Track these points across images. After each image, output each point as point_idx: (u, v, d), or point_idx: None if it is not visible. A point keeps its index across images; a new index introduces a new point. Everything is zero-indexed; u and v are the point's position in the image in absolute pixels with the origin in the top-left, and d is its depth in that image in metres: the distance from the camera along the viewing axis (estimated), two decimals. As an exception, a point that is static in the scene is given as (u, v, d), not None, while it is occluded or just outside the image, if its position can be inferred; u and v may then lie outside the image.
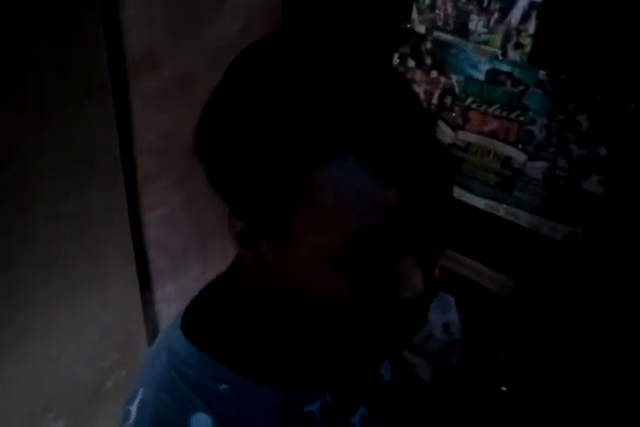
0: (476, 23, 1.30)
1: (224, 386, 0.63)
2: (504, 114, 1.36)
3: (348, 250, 0.52)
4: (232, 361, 0.64)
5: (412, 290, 0.54)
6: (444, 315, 1.77)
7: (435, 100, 1.44)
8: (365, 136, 0.50)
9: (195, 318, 0.68)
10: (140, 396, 0.65)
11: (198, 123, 0.59)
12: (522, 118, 1.34)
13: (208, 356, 0.64)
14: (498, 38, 1.29)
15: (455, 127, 1.44)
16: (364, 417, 0.78)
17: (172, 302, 1.65)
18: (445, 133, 1.46)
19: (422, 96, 1.45)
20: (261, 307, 0.65)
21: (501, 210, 1.48)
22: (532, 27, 1.24)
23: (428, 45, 1.39)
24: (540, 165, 1.36)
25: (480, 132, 1.41)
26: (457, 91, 1.40)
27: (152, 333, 1.61)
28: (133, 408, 0.65)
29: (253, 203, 0.55)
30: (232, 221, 0.58)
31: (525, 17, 1.24)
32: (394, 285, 0.55)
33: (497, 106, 1.36)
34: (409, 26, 1.40)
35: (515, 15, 1.25)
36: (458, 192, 1.51)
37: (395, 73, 0.56)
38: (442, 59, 1.39)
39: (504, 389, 1.59)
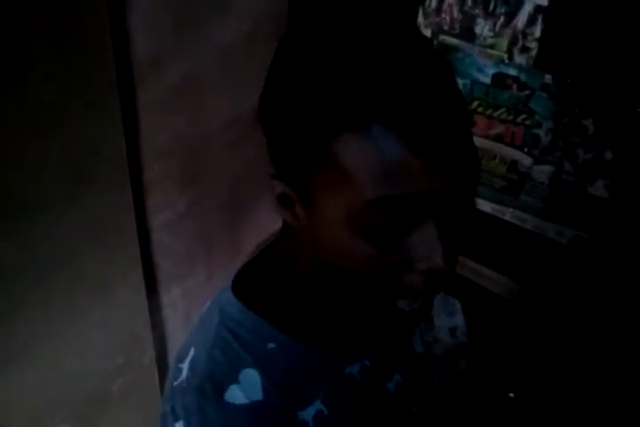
0: (482, 27, 1.30)
1: (272, 345, 0.68)
2: (510, 118, 1.36)
3: (368, 216, 0.54)
4: (280, 322, 0.68)
5: (429, 263, 0.56)
6: (450, 319, 1.77)
7: (440, 104, 1.44)
8: (398, 104, 0.51)
9: (245, 282, 0.72)
10: (191, 354, 0.68)
11: (262, 91, 0.62)
12: (528, 122, 1.34)
13: (258, 316, 0.68)
14: (504, 42, 1.29)
15: (461, 131, 1.44)
16: (399, 384, 0.81)
17: (178, 306, 1.65)
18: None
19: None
20: (305, 272, 0.68)
21: (507, 214, 1.47)
22: (537, 31, 1.25)
23: (434, 49, 1.39)
24: (546, 168, 1.36)
25: (486, 136, 1.41)
26: (463, 94, 1.40)
27: (158, 337, 1.61)
28: (185, 366, 0.68)
29: (288, 164, 0.59)
30: (273, 182, 0.61)
31: (531, 21, 1.24)
32: (413, 255, 0.56)
33: (503, 110, 1.36)
34: (415, 30, 1.39)
35: (521, 19, 1.25)
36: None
37: (430, 48, 0.58)
38: (448, 63, 1.39)
39: (512, 395, 1.58)
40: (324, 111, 0.53)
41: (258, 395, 0.65)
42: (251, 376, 0.65)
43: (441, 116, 0.53)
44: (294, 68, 0.57)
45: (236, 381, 0.65)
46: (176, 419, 0.64)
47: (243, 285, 0.71)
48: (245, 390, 0.64)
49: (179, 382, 0.67)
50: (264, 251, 0.76)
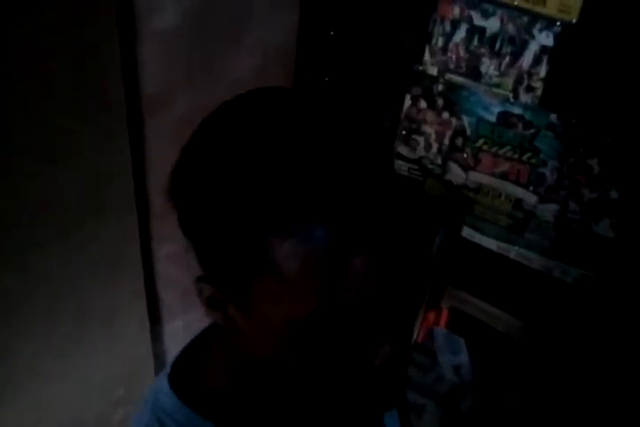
0: (488, 66, 1.32)
1: None
2: (515, 156, 1.36)
3: (312, 323, 0.51)
4: (214, 415, 0.63)
5: (378, 358, 0.54)
6: (454, 357, 1.75)
7: (446, 141, 1.45)
8: (333, 206, 0.48)
9: (181, 371, 0.66)
10: None
11: (170, 175, 0.56)
12: (533, 161, 1.34)
13: (191, 411, 0.62)
14: (509, 81, 1.30)
15: (466, 168, 1.45)
16: None
17: (179, 337, 1.65)
18: (456, 175, 1.47)
19: (434, 137, 1.46)
20: (238, 365, 0.64)
21: (513, 252, 1.47)
22: (543, 70, 1.26)
23: (440, 87, 1.41)
24: (552, 207, 1.36)
25: (491, 174, 1.42)
26: (468, 132, 1.41)
27: (159, 368, 1.60)
28: None
29: (220, 269, 0.53)
30: (200, 285, 0.56)
31: (537, 61, 1.25)
32: (360, 353, 0.54)
33: (508, 148, 1.36)
34: (421, 68, 1.41)
35: (526, 59, 1.26)
36: (469, 233, 1.51)
37: (369, 144, 0.55)
38: (454, 100, 1.40)
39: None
40: (261, 216, 0.48)
41: None
42: None
43: (381, 214, 0.50)
44: (220, 164, 0.51)
45: None
46: None
47: (178, 373, 0.66)
48: None
49: None
50: (200, 337, 0.71)
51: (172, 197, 0.55)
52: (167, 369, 0.66)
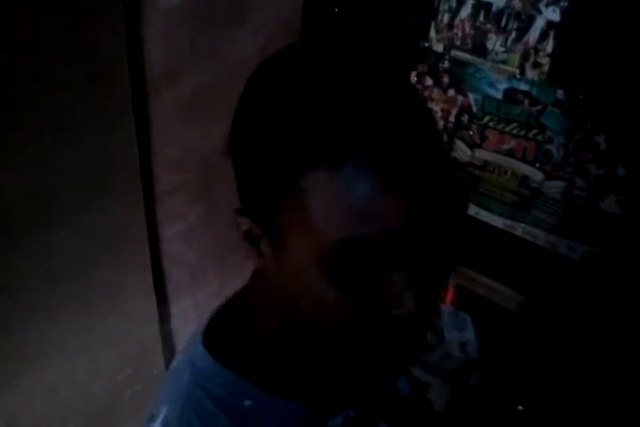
0: (494, 42, 1.31)
1: (248, 402, 0.63)
2: (521, 133, 1.36)
3: (335, 258, 0.51)
4: (256, 377, 0.64)
5: (400, 308, 0.53)
6: (460, 334, 1.77)
7: (452, 119, 1.45)
8: (373, 142, 0.49)
9: (217, 334, 0.67)
10: (163, 413, 0.64)
11: (232, 122, 0.59)
12: (539, 137, 1.34)
13: (232, 372, 0.63)
14: (516, 57, 1.30)
15: (472, 145, 1.45)
16: None
17: (188, 316, 1.66)
18: (462, 152, 1.46)
19: (439, 114, 1.46)
20: (278, 321, 0.64)
21: (519, 229, 1.47)
22: (549, 46, 1.25)
23: (446, 64, 1.40)
24: (558, 184, 1.35)
25: (497, 151, 1.41)
26: (474, 109, 1.40)
27: (168, 348, 1.62)
28: (157, 426, 0.64)
29: (256, 200, 0.56)
30: (238, 218, 0.58)
31: (543, 36, 1.24)
32: (383, 300, 0.53)
33: (514, 125, 1.36)
34: (427, 45, 1.40)
35: (532, 35, 1.25)
36: (475, 210, 1.51)
37: (409, 85, 0.56)
38: (459, 77, 1.39)
39: (521, 408, 1.57)
40: (295, 145, 0.50)
41: None
42: None
43: (417, 155, 0.50)
44: (266, 99, 0.54)
45: None
46: None
47: (214, 337, 0.67)
48: None
49: None
50: (233, 299, 0.72)
51: (230, 139, 0.59)
52: (199, 335, 0.67)
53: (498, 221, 1.49)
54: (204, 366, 0.64)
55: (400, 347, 0.59)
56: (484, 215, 1.51)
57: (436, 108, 1.46)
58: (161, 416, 0.64)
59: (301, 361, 0.66)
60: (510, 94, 1.34)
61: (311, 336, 0.61)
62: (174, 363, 0.69)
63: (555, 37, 1.23)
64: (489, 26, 1.30)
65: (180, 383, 0.65)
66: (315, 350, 0.64)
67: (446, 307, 1.76)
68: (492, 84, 1.35)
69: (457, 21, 1.34)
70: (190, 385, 0.63)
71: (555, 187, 1.36)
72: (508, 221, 1.48)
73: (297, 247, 0.53)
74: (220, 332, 0.68)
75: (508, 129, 1.37)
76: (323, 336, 0.58)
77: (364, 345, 0.57)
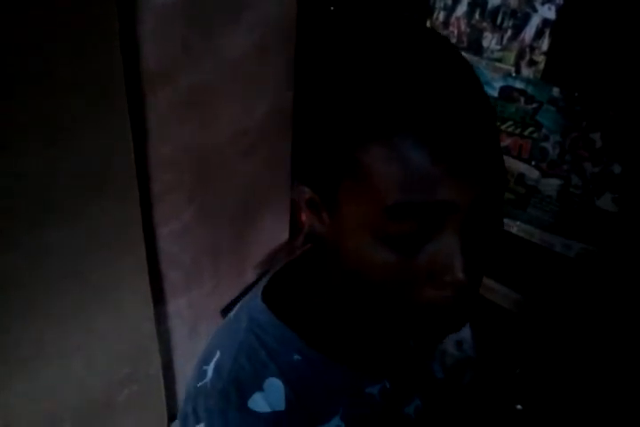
0: (490, 40, 1.31)
1: (297, 356, 0.67)
2: (517, 131, 1.36)
3: (388, 224, 0.54)
4: (307, 335, 0.68)
5: (449, 274, 0.55)
6: (456, 332, 1.76)
7: (448, 117, 1.44)
8: (422, 114, 0.52)
9: (276, 291, 0.71)
10: (217, 357, 0.68)
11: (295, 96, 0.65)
12: (535, 135, 1.34)
13: (286, 327, 0.68)
14: (511, 55, 1.30)
15: (468, 144, 1.44)
16: (418, 408, 0.80)
17: (184, 316, 1.65)
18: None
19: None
20: (331, 286, 0.68)
21: (514, 227, 1.47)
22: (545, 44, 1.25)
23: (442, 62, 1.39)
24: (554, 182, 1.36)
25: (493, 149, 1.41)
26: (470, 107, 1.40)
27: (164, 347, 1.61)
28: (210, 368, 0.67)
29: (315, 169, 0.60)
30: (300, 187, 0.62)
31: (539, 34, 1.25)
32: (434, 264, 0.55)
33: (510, 123, 1.36)
34: (422, 43, 1.40)
35: (528, 33, 1.26)
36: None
37: (460, 59, 0.58)
38: (455, 75, 1.39)
39: (519, 407, 1.57)
40: (350, 121, 0.54)
41: (280, 405, 0.64)
42: (275, 386, 0.65)
43: (466, 126, 0.52)
44: (323, 77, 0.58)
45: (260, 388, 0.64)
46: (197, 421, 0.64)
47: (273, 294, 0.71)
48: (269, 398, 0.64)
49: (202, 383, 0.67)
50: (294, 262, 0.76)
51: (295, 111, 0.63)
52: (259, 290, 0.71)
53: (494, 219, 1.49)
54: (261, 319, 0.68)
55: (444, 315, 0.60)
56: (480, 213, 1.50)
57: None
58: (214, 360, 0.68)
59: (349, 324, 0.70)
60: (506, 92, 1.34)
61: (362, 301, 0.64)
62: (231, 314, 0.74)
63: (550, 35, 1.23)
64: (484, 24, 1.30)
65: (237, 331, 0.69)
66: (362, 313, 0.68)
67: (442, 305, 1.76)
68: (487, 83, 1.35)
69: (452, 19, 1.34)
70: (247, 333, 0.68)
71: (550, 185, 1.37)
72: (505, 219, 1.48)
73: (353, 214, 0.57)
74: (280, 289, 0.72)
75: (503, 127, 1.37)
76: (371, 298, 0.61)
77: (408, 310, 0.60)
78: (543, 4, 1.22)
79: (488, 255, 0.59)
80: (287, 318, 0.69)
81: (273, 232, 1.78)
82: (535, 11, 1.23)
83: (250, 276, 1.60)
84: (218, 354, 0.68)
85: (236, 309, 0.74)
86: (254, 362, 0.66)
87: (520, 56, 1.28)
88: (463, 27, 1.33)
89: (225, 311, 0.75)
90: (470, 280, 0.54)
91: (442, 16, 1.35)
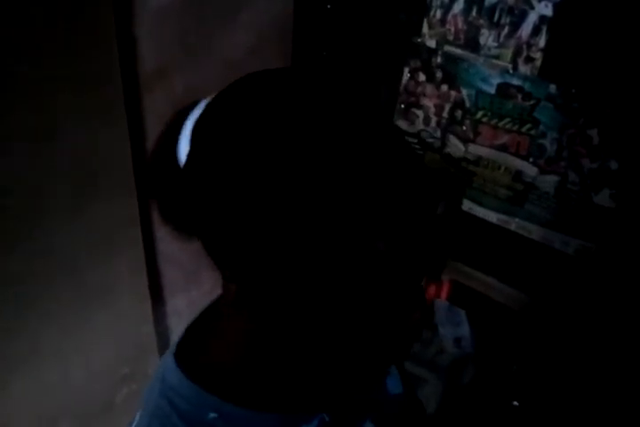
0: (487, 37, 1.31)
1: (212, 415, 0.63)
2: (515, 128, 1.36)
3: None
4: (222, 389, 0.64)
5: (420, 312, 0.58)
6: (455, 329, 1.77)
7: (445, 114, 1.45)
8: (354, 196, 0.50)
9: (187, 346, 0.68)
10: (136, 421, 0.66)
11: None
12: (533, 132, 1.34)
13: (198, 386, 0.63)
14: (508, 52, 1.30)
15: (466, 141, 1.45)
16: None
17: (183, 316, 1.65)
18: (456, 147, 1.46)
19: (433, 110, 1.46)
20: (246, 336, 0.64)
21: (513, 224, 1.47)
22: (542, 41, 1.25)
23: (439, 59, 1.40)
24: (551, 178, 1.36)
25: (491, 146, 1.41)
26: (467, 104, 1.40)
27: (163, 347, 1.61)
28: None
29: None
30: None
31: (536, 31, 1.24)
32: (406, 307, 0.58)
33: (508, 120, 1.36)
34: (419, 40, 1.40)
35: (525, 29, 1.25)
36: (469, 206, 1.51)
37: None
38: (452, 73, 1.39)
39: (516, 403, 1.58)
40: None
41: None
42: None
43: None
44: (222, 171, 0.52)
45: None
46: None
47: (184, 349, 0.68)
48: None
49: None
50: (204, 313, 0.73)
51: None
52: (173, 346, 0.68)
53: (491, 216, 1.50)
54: (172, 380, 0.64)
55: (419, 331, 0.62)
56: (478, 210, 1.51)
57: (430, 103, 1.45)
58: (134, 424, 0.66)
59: (270, 372, 0.66)
60: (503, 89, 1.34)
61: (291, 345, 0.62)
62: (156, 372, 0.69)
63: (547, 32, 1.23)
64: (481, 21, 1.30)
65: (153, 394, 0.65)
66: (287, 356, 0.64)
67: (441, 302, 1.77)
68: (484, 80, 1.35)
69: (449, 17, 1.34)
70: (160, 397, 0.64)
71: (548, 181, 1.37)
72: (502, 216, 1.48)
73: None
74: (191, 345, 0.68)
75: (501, 124, 1.37)
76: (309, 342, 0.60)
77: (400, 335, 0.61)
78: (540, 0, 1.22)
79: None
80: (198, 374, 0.64)
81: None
82: (532, 7, 1.23)
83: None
84: (137, 418, 0.66)
85: (159, 364, 0.70)
86: None
87: (517, 53, 1.28)
88: (460, 24, 1.33)
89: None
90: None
91: (439, 13, 1.35)
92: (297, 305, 0.56)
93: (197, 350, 0.67)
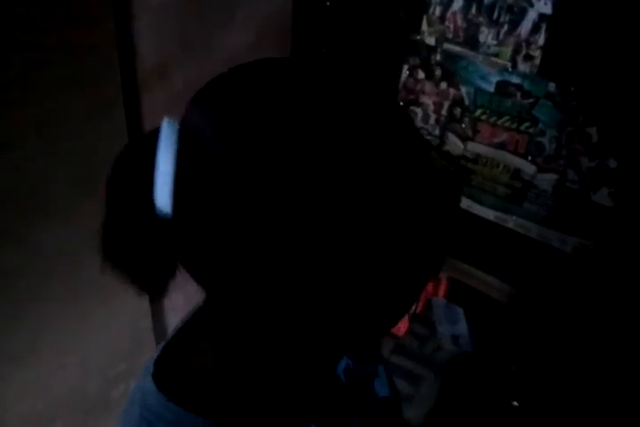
0: (486, 35, 1.31)
1: None
2: (514, 126, 1.36)
3: None
4: (206, 408, 0.61)
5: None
6: (453, 327, 1.77)
7: (444, 112, 1.44)
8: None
9: (167, 367, 0.64)
10: None
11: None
12: (531, 130, 1.34)
13: (181, 408, 0.60)
14: (508, 50, 1.29)
15: (464, 139, 1.44)
16: None
17: (180, 311, 1.65)
18: (455, 145, 1.46)
19: (432, 108, 1.46)
20: (235, 352, 0.62)
21: (511, 222, 1.47)
22: (541, 39, 1.25)
23: (438, 57, 1.40)
24: (550, 176, 1.36)
25: (489, 144, 1.41)
26: (466, 102, 1.40)
27: (160, 343, 1.61)
28: None
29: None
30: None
31: (535, 29, 1.24)
32: None
33: (506, 118, 1.36)
34: (419, 38, 1.40)
35: (524, 27, 1.25)
36: (467, 204, 1.51)
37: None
38: (451, 70, 1.39)
39: (515, 403, 1.58)
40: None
41: None
42: None
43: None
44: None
45: None
46: None
47: (164, 369, 0.63)
48: None
49: None
50: (182, 330, 0.70)
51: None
52: (150, 367, 0.63)
53: (489, 214, 1.50)
54: (152, 403, 0.61)
55: None
56: (476, 208, 1.51)
57: (429, 101, 1.45)
58: None
59: (254, 387, 0.63)
60: (502, 87, 1.34)
61: (264, 370, 0.61)
62: (132, 390, 0.66)
63: (546, 30, 1.23)
64: (481, 19, 1.30)
65: (131, 417, 0.63)
66: (271, 369, 0.63)
67: (439, 300, 1.77)
68: (484, 77, 1.35)
69: (449, 14, 1.33)
70: (140, 422, 0.61)
71: (547, 179, 1.37)
72: (500, 214, 1.48)
73: None
74: (171, 365, 0.64)
75: (500, 122, 1.37)
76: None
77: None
78: (539, -2, 1.22)
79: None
80: (180, 394, 0.61)
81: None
82: (531, 5, 1.23)
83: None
84: None
85: (132, 387, 0.67)
86: None
87: (516, 51, 1.28)
88: (459, 22, 1.33)
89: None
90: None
91: (438, 11, 1.34)
92: (282, 315, 0.55)
93: (177, 369, 0.64)
